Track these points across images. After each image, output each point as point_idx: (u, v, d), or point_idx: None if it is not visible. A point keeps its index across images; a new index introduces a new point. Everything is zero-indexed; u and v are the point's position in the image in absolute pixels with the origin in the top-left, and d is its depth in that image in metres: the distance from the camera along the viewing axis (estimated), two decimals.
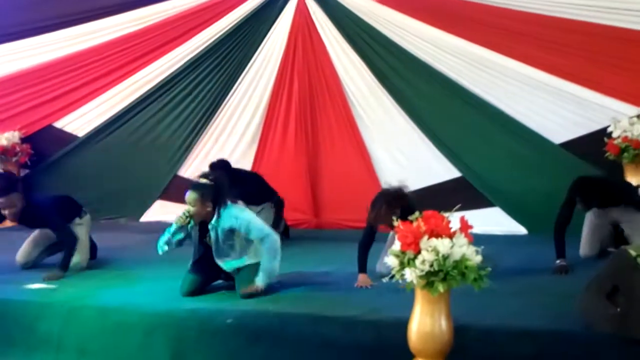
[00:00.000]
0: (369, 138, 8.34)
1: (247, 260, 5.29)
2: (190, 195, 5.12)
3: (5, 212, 6.02)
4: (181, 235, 5.27)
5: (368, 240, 5.66)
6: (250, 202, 7.45)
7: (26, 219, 6.19)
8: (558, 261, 5.83)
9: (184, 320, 4.86)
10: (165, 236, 5.25)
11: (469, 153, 7.96)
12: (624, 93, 7.27)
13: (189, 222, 5.16)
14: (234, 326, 4.74)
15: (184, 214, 5.12)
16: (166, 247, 5.25)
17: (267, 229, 5.26)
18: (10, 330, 5.19)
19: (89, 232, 6.49)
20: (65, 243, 6.11)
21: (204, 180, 5.22)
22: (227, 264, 5.29)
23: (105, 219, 8.84)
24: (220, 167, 7.15)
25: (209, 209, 5.15)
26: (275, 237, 5.22)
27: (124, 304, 5.15)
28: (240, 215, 5.19)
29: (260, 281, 5.07)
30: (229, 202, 5.26)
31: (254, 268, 5.22)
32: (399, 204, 5.36)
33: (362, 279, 5.51)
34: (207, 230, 5.24)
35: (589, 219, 6.25)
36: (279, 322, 4.73)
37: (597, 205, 6.09)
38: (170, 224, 5.31)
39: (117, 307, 5.11)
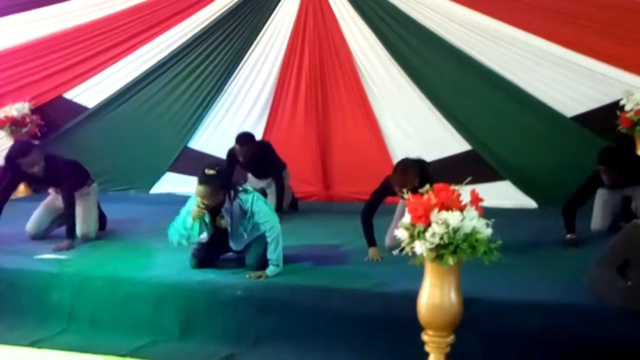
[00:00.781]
0: (379, 110, 8.30)
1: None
2: (202, 189, 5.09)
3: (33, 169, 6.03)
4: (205, 234, 5.30)
5: (371, 212, 5.64)
6: (259, 175, 7.50)
7: (43, 176, 6.17)
8: (568, 235, 5.82)
9: (193, 291, 4.89)
10: (181, 231, 5.20)
11: (479, 126, 7.92)
12: (638, 66, 7.20)
13: (204, 215, 5.17)
14: (244, 298, 4.77)
15: (198, 206, 5.11)
16: (185, 243, 5.24)
17: (273, 219, 5.25)
18: (21, 300, 5.23)
19: (97, 201, 6.51)
20: (66, 209, 6.13)
21: (209, 172, 5.20)
22: (238, 246, 5.34)
23: (115, 190, 8.86)
24: (250, 140, 7.26)
25: (221, 197, 5.16)
26: (279, 228, 5.22)
27: (134, 275, 5.18)
28: (251, 202, 5.20)
29: (270, 272, 5.06)
30: (238, 187, 5.27)
31: (262, 241, 5.24)
32: (419, 170, 5.32)
33: (372, 252, 5.52)
34: (217, 214, 5.25)
35: (601, 193, 6.22)
36: (289, 294, 4.75)
37: (620, 183, 6.01)
38: (178, 207, 5.32)
39: (127, 277, 5.15)
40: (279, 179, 7.34)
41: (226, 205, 5.19)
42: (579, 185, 6.04)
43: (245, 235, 5.30)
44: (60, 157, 6.37)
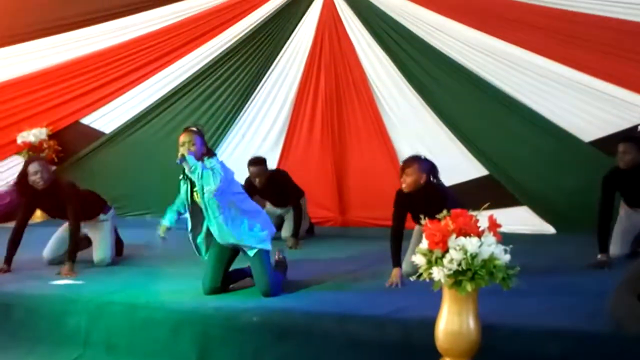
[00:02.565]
0: (395, 135, 8.31)
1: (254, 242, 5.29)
2: (186, 135, 5.23)
3: (36, 177, 6.04)
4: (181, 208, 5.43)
5: (397, 229, 5.53)
6: (277, 203, 7.51)
7: (48, 195, 6.17)
8: (599, 256, 5.78)
9: (210, 318, 4.87)
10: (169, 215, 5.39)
11: (496, 151, 7.90)
12: None
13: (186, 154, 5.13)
14: (260, 324, 4.74)
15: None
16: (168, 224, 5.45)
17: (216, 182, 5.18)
18: (37, 326, 5.23)
19: (114, 227, 6.52)
20: (71, 231, 6.14)
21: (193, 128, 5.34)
22: (224, 236, 5.26)
23: (131, 215, 8.88)
24: (262, 161, 7.36)
25: (202, 152, 5.23)
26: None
27: (151, 301, 5.17)
28: (213, 163, 5.20)
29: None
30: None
31: (266, 261, 5.24)
32: (430, 170, 5.36)
33: (395, 273, 5.39)
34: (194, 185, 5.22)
35: (621, 219, 6.21)
36: (305, 321, 4.72)
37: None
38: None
39: (144, 303, 5.13)
40: (297, 207, 7.34)
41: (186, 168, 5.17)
42: (599, 200, 6.02)
43: (222, 217, 5.20)
44: (72, 186, 6.40)
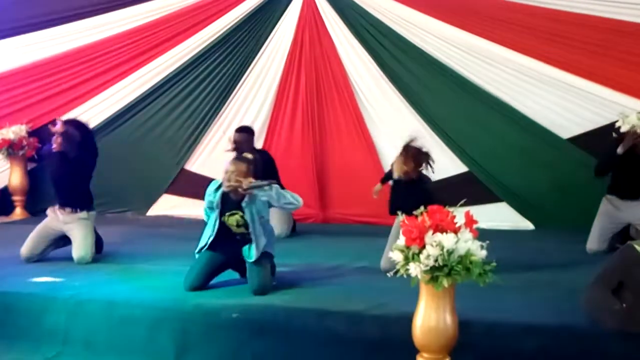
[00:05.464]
0: (375, 132, 8.34)
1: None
2: (238, 165, 5.15)
3: (59, 142, 6.15)
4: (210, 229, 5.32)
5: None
6: None
7: (66, 154, 6.24)
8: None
9: (189, 314, 4.86)
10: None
11: (475, 147, 7.95)
12: (632, 88, 7.24)
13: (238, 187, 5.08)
14: (239, 320, 4.74)
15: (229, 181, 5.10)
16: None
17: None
18: (16, 323, 5.20)
19: (93, 226, 6.50)
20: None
21: (247, 155, 5.27)
22: (252, 254, 5.23)
23: (111, 212, 8.86)
24: (247, 131, 7.37)
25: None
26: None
27: (130, 298, 5.15)
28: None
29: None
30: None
31: (267, 266, 5.24)
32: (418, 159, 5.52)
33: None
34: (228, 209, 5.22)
35: (602, 215, 6.27)
36: (285, 316, 4.73)
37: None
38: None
39: (123, 300, 5.11)
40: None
41: (247, 199, 5.17)
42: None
43: (262, 235, 5.24)
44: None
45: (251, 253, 5.19)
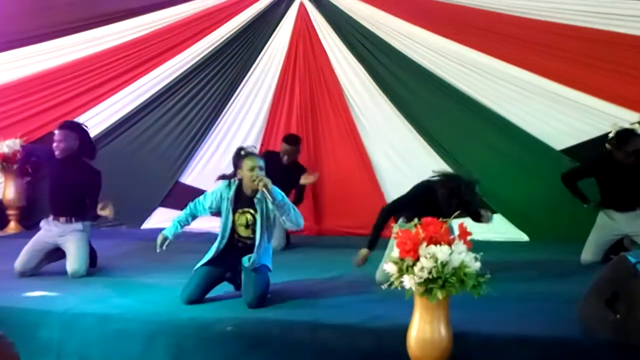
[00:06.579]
0: (369, 143, 8.36)
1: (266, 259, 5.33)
2: (258, 160, 5.18)
3: (59, 145, 6.21)
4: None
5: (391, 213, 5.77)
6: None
7: (69, 164, 6.34)
8: (586, 205, 6.29)
9: (183, 328, 4.85)
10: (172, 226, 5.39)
11: (469, 159, 7.95)
12: (624, 99, 7.28)
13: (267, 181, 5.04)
14: (233, 333, 4.73)
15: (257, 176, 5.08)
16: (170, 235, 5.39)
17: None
18: (10, 337, 5.17)
19: (88, 239, 6.48)
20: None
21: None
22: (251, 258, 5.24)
23: (106, 226, 8.83)
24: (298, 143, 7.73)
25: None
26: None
27: (124, 312, 5.14)
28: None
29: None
30: None
31: (264, 278, 5.24)
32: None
33: (361, 254, 5.62)
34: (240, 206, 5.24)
35: (599, 227, 6.30)
36: (279, 330, 4.71)
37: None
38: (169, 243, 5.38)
39: (117, 314, 5.10)
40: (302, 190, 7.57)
41: (259, 195, 5.17)
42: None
43: (265, 239, 5.27)
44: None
45: (251, 259, 5.20)
